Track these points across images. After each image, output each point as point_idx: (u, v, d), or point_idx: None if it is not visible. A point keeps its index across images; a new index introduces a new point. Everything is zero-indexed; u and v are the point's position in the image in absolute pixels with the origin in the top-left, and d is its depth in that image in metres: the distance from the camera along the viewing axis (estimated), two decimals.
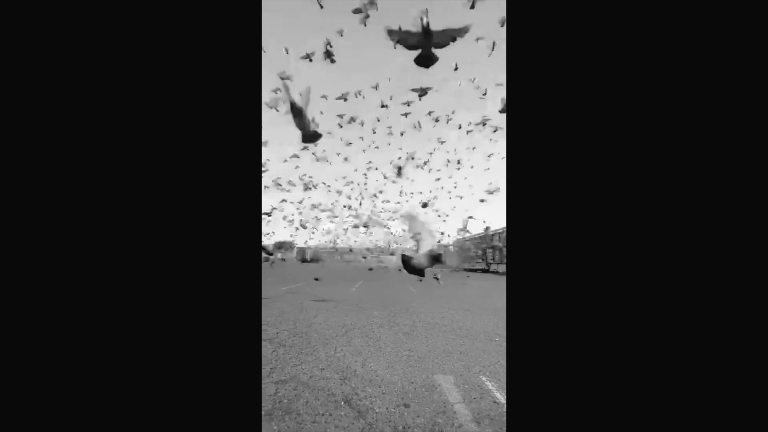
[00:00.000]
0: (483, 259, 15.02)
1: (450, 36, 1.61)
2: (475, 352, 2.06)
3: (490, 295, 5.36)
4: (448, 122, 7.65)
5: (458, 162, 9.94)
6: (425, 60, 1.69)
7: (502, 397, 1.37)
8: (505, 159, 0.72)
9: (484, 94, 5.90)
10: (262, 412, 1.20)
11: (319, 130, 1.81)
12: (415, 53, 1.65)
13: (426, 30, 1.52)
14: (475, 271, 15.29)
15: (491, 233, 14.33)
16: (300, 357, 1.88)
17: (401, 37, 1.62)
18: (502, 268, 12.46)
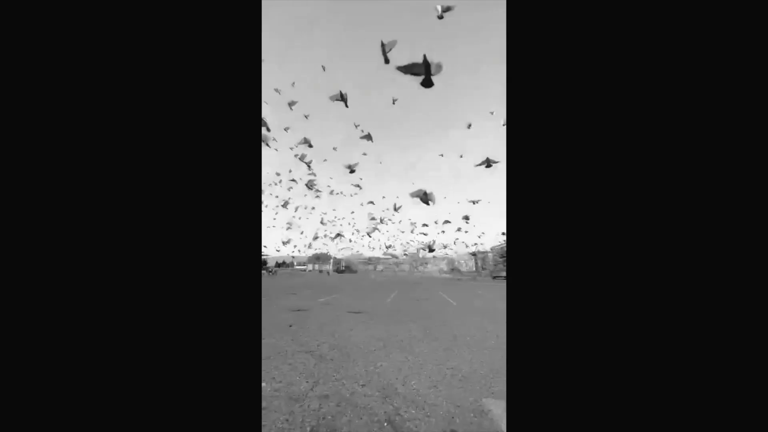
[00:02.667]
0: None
1: (439, 67, 2.28)
2: None
3: None
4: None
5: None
6: (427, 83, 2.33)
7: None
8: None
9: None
10: (308, 429, 1.22)
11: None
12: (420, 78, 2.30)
13: (425, 62, 2.19)
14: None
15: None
16: (340, 371, 1.88)
17: (409, 69, 2.25)
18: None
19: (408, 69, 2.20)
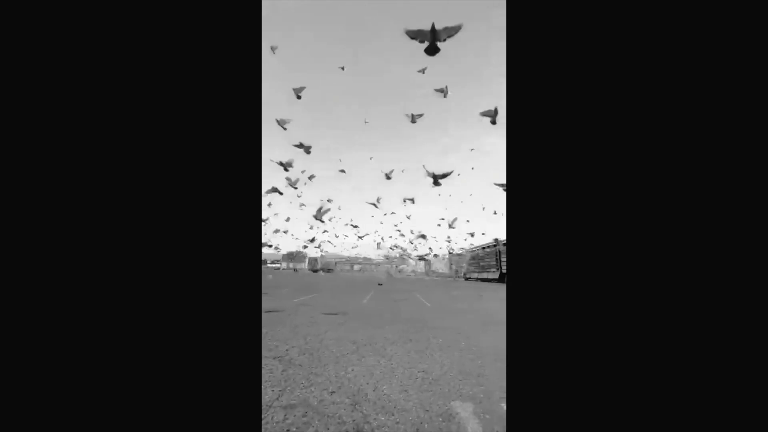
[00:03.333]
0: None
1: (448, 33, 2.33)
2: (495, 374, 1.93)
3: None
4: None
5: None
6: (432, 50, 2.34)
7: None
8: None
9: None
10: None
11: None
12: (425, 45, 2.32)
13: (433, 28, 2.22)
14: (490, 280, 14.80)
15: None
16: (310, 378, 1.81)
17: (416, 34, 2.26)
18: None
19: (415, 34, 2.31)
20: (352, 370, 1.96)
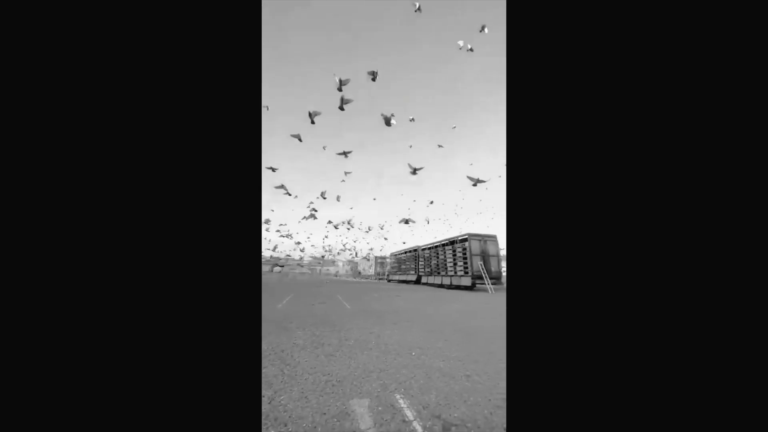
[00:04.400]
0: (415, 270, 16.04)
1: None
2: (394, 368, 2.11)
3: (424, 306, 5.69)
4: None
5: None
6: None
7: (411, 414, 1.42)
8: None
9: None
10: None
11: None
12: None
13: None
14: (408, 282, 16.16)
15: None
16: None
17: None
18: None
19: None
20: None
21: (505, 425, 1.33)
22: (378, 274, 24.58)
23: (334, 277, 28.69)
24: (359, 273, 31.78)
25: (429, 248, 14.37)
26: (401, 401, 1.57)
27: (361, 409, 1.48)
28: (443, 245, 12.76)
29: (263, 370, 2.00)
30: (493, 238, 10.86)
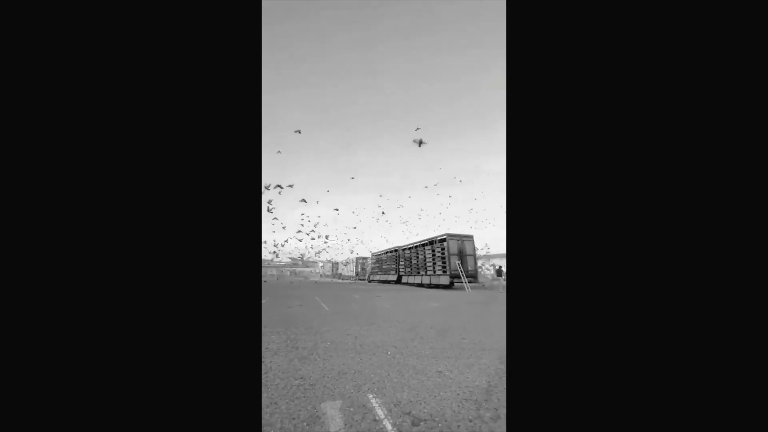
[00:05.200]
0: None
1: None
2: (370, 368, 2.12)
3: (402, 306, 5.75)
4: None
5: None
6: None
7: (382, 413, 1.44)
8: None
9: None
10: None
11: None
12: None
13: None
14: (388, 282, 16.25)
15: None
16: None
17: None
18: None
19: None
20: None
21: (470, 417, 1.39)
22: (358, 274, 24.44)
23: (318, 279, 28.05)
24: (339, 274, 31.38)
25: (409, 248, 14.58)
26: (373, 401, 1.58)
27: (333, 411, 1.47)
28: (423, 245, 13.01)
29: None
30: (469, 238, 11.27)
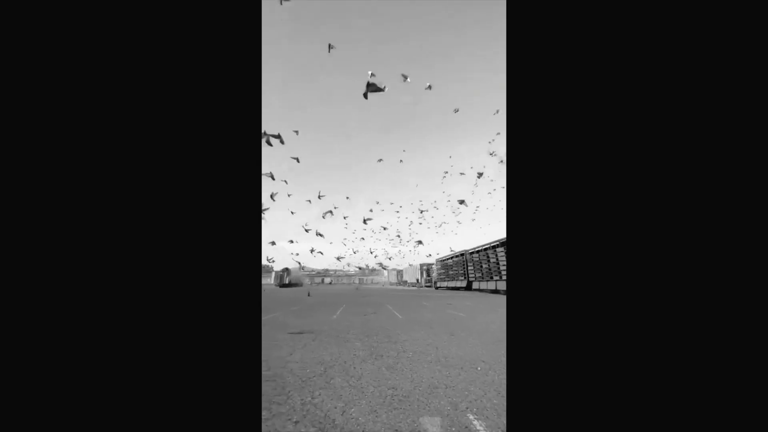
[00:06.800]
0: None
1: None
2: (461, 384, 1.98)
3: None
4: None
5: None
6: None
7: None
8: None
9: None
10: None
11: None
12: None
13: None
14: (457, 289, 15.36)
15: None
16: (272, 408, 1.68)
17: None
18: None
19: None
20: (320, 394, 1.86)
21: None
22: (424, 281, 24.04)
23: (387, 286, 28.98)
24: (405, 281, 31.57)
25: (477, 251, 13.53)
26: (476, 422, 1.45)
27: (434, 428, 1.41)
28: (493, 247, 11.88)
29: (331, 381, 2.08)
30: None
